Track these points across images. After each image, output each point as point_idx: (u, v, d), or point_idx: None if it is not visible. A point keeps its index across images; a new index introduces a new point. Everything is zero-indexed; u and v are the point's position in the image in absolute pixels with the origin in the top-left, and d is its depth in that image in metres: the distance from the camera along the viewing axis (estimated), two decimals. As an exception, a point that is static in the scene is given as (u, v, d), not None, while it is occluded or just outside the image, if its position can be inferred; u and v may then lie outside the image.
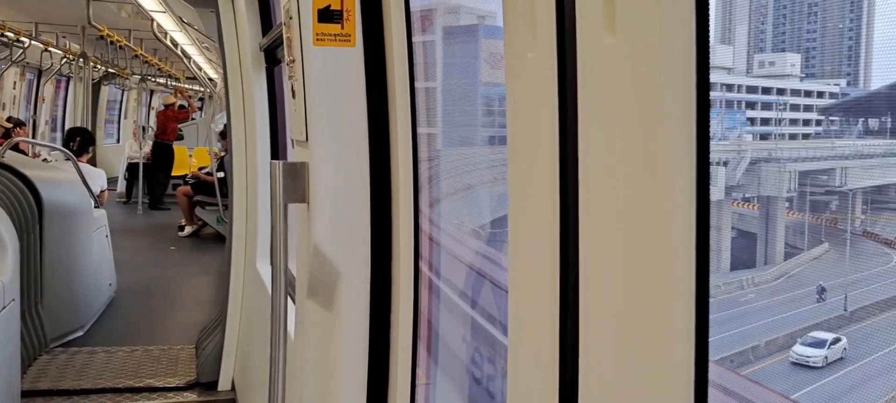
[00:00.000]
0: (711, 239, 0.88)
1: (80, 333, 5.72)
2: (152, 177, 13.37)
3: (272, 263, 2.03)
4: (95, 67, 15.67)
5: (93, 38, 12.78)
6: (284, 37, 2.13)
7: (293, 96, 2.07)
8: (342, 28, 1.89)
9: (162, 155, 13.47)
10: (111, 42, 13.14)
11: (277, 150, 4.19)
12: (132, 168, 13.67)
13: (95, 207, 6.61)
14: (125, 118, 21.10)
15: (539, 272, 1.06)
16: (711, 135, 0.90)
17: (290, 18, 2.01)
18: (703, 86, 0.88)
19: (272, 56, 3.88)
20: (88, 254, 5.96)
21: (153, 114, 18.88)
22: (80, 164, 6.94)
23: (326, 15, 1.88)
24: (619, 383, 0.93)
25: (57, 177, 6.06)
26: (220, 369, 4.66)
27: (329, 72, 1.90)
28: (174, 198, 11.75)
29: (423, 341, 1.99)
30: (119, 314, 6.46)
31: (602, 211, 0.95)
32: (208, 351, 4.81)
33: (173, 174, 13.57)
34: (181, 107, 14.71)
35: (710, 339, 0.88)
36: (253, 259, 4.31)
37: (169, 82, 20.19)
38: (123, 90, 20.34)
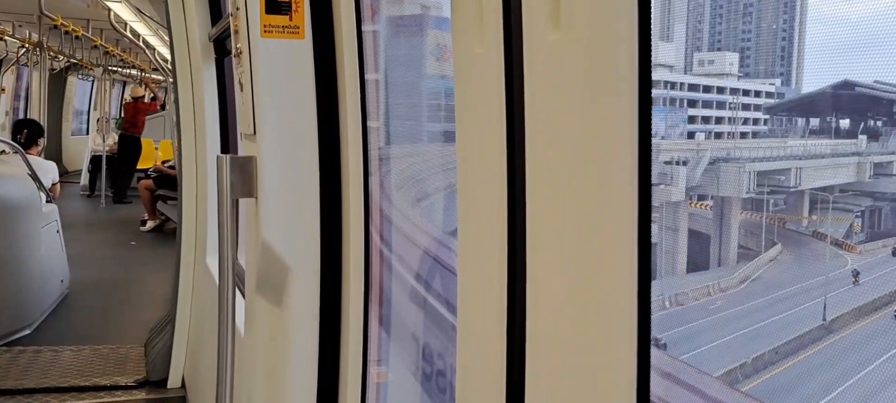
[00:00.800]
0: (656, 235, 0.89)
1: (27, 332, 5.55)
2: (117, 169, 13.11)
3: (219, 259, 1.99)
4: (55, 58, 15.21)
5: (49, 27, 12.42)
6: (232, 28, 2.09)
7: (241, 89, 2.04)
8: (290, 20, 1.86)
9: (129, 147, 13.21)
10: (66, 32, 12.77)
11: (228, 144, 4.12)
12: (96, 161, 13.42)
13: (47, 201, 6.41)
14: (94, 109, 20.60)
15: (487, 264, 1.06)
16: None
17: (238, 9, 1.98)
18: (645, 80, 0.89)
19: (222, 47, 3.81)
20: (35, 250, 5.77)
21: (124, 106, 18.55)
22: (30, 157, 6.71)
23: (274, 6, 1.85)
24: (565, 372, 0.94)
25: (1, 171, 5.87)
26: (170, 366, 4.57)
27: (277, 65, 1.88)
28: (137, 191, 11.54)
29: (375, 336, 1.98)
30: (71, 311, 6.28)
31: (548, 203, 0.95)
32: (158, 349, 4.72)
33: (138, 167, 13.31)
34: (153, 98, 14.41)
35: (651, 334, 0.89)
36: (203, 254, 4.24)
37: (141, 74, 19.73)
38: (93, 81, 19.87)
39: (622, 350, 0.88)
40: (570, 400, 0.93)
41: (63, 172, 17.56)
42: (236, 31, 2.03)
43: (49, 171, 7.06)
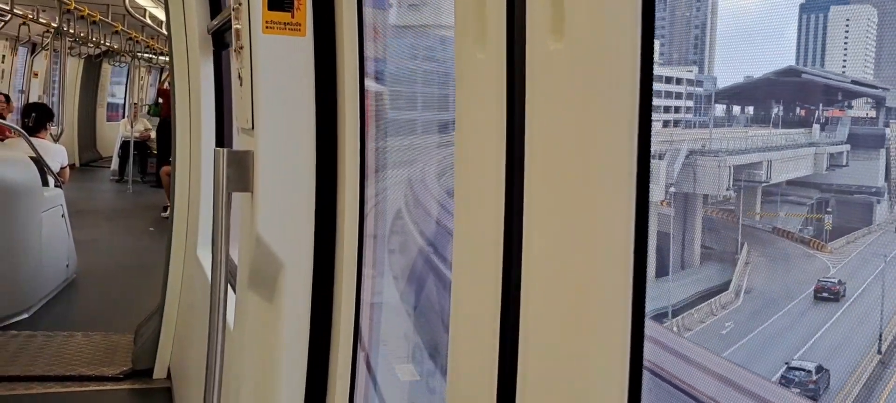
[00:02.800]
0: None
1: (25, 316, 5.50)
2: (156, 155, 13.25)
3: (213, 252, 1.99)
4: (84, 44, 15.21)
5: (66, 12, 12.39)
6: (233, 23, 2.10)
7: (240, 83, 2.04)
8: (292, 17, 1.87)
9: (165, 132, 13.33)
10: (81, 16, 12.74)
11: (223, 137, 4.12)
12: (127, 146, 13.59)
13: (56, 185, 6.37)
14: (130, 96, 20.71)
15: (482, 271, 1.07)
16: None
17: (240, 4, 1.98)
18: (646, 94, 0.90)
19: (220, 40, 3.80)
20: (35, 235, 5.72)
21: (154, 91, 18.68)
22: (38, 141, 6.66)
23: (277, 3, 1.86)
24: (556, 375, 0.95)
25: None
26: (157, 357, 4.56)
27: (278, 61, 1.88)
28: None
29: (366, 333, 1.98)
30: (74, 297, 6.24)
31: (545, 210, 0.96)
32: (145, 339, 4.70)
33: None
34: None
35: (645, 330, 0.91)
36: (194, 246, 4.23)
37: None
38: (128, 69, 19.94)
39: (615, 358, 0.89)
40: (561, 399, 0.93)
41: (97, 158, 17.70)
42: (237, 27, 2.03)
43: (57, 155, 7.01)
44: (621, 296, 0.87)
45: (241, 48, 1.99)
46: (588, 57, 0.90)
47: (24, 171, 5.75)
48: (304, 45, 1.89)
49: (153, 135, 13.63)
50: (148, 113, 15.27)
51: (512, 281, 1.02)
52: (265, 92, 1.89)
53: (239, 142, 2.17)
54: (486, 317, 1.05)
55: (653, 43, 0.90)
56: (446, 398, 1.17)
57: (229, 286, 2.17)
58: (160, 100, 14.42)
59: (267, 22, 1.85)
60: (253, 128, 1.94)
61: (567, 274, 0.93)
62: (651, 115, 0.91)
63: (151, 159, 13.42)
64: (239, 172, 1.95)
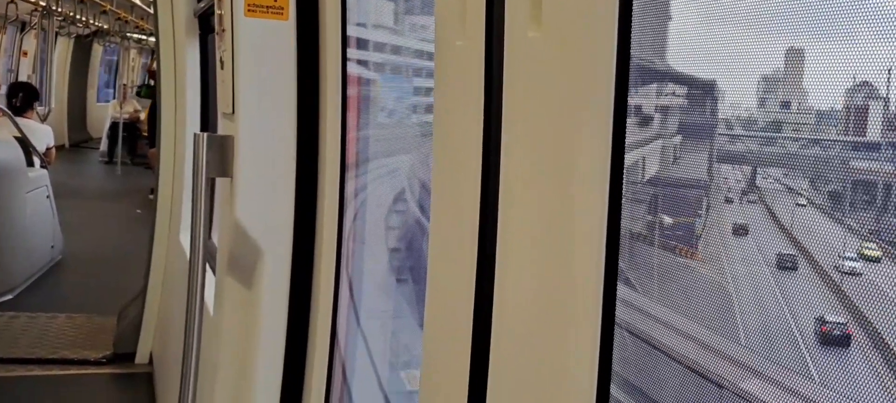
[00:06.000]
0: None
1: (8, 297, 5.47)
2: (137, 137, 13.16)
3: (191, 237, 1.98)
4: (73, 23, 15.05)
5: None
6: (216, 6, 2.08)
7: (221, 67, 2.02)
8: (275, 0, 1.85)
9: (155, 115, 13.25)
10: None
11: (208, 122, 4.09)
12: (116, 128, 13.55)
13: (42, 166, 6.32)
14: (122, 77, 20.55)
15: (458, 252, 1.07)
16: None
17: (223, -14, 1.96)
18: (622, 83, 0.90)
19: (207, 23, 3.77)
20: (18, 216, 5.68)
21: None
22: (24, 121, 6.59)
23: (260, -14, 1.84)
24: (527, 366, 0.95)
25: None
26: (139, 341, 4.54)
27: (260, 45, 1.87)
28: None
29: (343, 320, 1.98)
30: (60, 278, 6.20)
31: (521, 197, 0.96)
32: (127, 323, 4.68)
33: None
34: None
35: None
36: (177, 231, 4.21)
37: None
38: (118, 49, 19.78)
39: (585, 347, 0.89)
40: (531, 394, 0.94)
41: (87, 138, 17.59)
42: (220, 9, 2.01)
43: (43, 136, 6.94)
44: (592, 283, 0.88)
45: (224, 31, 1.98)
46: (566, 45, 0.90)
47: (7, 151, 5.69)
48: (286, 29, 1.87)
49: (142, 116, 13.55)
50: (138, 94, 15.17)
51: (486, 266, 1.02)
52: (247, 76, 1.88)
53: (221, 127, 2.16)
54: (461, 298, 1.05)
55: (630, 32, 0.90)
56: (420, 387, 1.17)
57: (210, 270, 2.16)
58: (151, 82, 14.38)
59: (249, 4, 1.83)
60: (234, 112, 1.92)
61: (541, 259, 0.93)
62: (627, 104, 0.91)
63: (142, 140, 13.35)
64: (219, 157, 1.94)
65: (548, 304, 0.92)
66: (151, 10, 11.61)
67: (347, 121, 1.87)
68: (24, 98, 7.68)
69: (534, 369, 0.94)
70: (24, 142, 6.02)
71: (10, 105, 7.28)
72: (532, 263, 0.95)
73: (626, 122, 0.91)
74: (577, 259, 0.89)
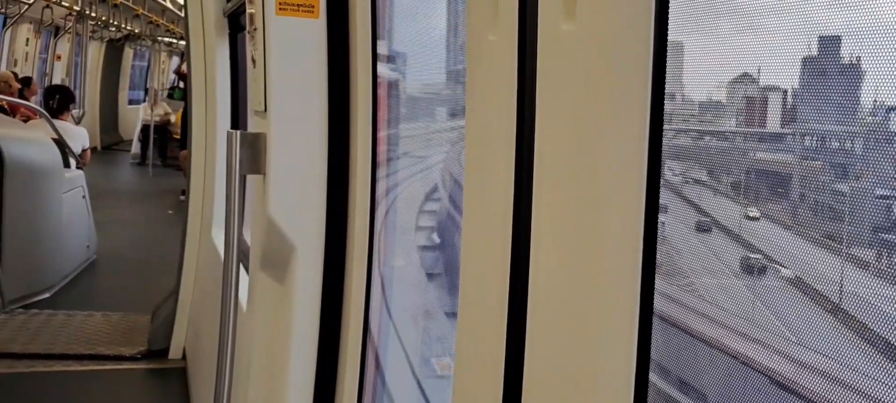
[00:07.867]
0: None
1: (46, 295, 5.57)
2: (168, 139, 13.40)
3: (226, 235, 2.00)
4: (106, 27, 15.35)
5: None
6: (247, 6, 2.09)
7: (253, 66, 2.04)
8: (306, -2, 1.86)
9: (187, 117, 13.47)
10: (102, 0, 12.87)
11: (238, 120, 4.13)
12: (148, 130, 13.81)
13: (77, 167, 6.43)
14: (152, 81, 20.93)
15: (491, 250, 1.06)
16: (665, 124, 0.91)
17: (254, -15, 1.97)
18: (659, 76, 0.88)
19: (236, 22, 3.81)
20: (56, 216, 5.78)
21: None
22: (61, 123, 6.72)
23: (290, -16, 1.85)
24: (563, 367, 0.94)
25: (23, 135, 5.86)
26: (172, 337, 4.60)
27: (291, 43, 1.88)
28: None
29: (376, 316, 1.98)
30: (95, 278, 6.30)
31: (555, 193, 0.95)
32: (161, 320, 4.75)
33: None
34: None
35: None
36: (209, 228, 4.26)
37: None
38: (149, 53, 20.14)
39: (622, 345, 0.88)
40: (567, 396, 0.93)
41: (118, 141, 17.94)
42: (252, 10, 2.03)
43: (79, 138, 7.06)
44: (629, 282, 0.87)
45: (255, 30, 1.99)
46: (601, 38, 0.89)
47: (46, 152, 5.80)
48: (317, 27, 1.88)
49: (172, 119, 13.74)
50: (170, 96, 15.38)
51: (520, 264, 1.01)
52: (278, 74, 1.89)
53: (252, 125, 2.17)
54: (494, 298, 1.04)
55: (667, 24, 0.88)
56: (453, 391, 1.17)
57: (242, 268, 2.18)
58: (180, 85, 14.56)
59: (280, 3, 1.84)
60: (266, 110, 1.94)
61: (576, 256, 0.92)
62: (664, 98, 0.89)
63: (172, 143, 13.55)
64: (252, 154, 1.95)
65: (584, 303, 0.91)
66: (182, 13, 11.79)
67: (378, 118, 1.87)
68: (60, 100, 7.82)
69: (570, 366, 0.93)
70: (60, 144, 6.12)
71: (46, 107, 7.42)
72: (567, 261, 0.94)
73: (663, 117, 0.90)
74: (614, 256, 0.88)
